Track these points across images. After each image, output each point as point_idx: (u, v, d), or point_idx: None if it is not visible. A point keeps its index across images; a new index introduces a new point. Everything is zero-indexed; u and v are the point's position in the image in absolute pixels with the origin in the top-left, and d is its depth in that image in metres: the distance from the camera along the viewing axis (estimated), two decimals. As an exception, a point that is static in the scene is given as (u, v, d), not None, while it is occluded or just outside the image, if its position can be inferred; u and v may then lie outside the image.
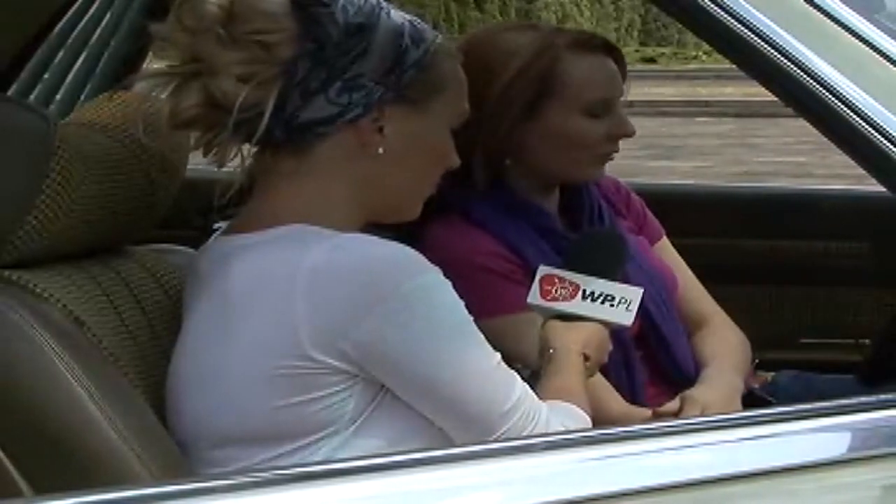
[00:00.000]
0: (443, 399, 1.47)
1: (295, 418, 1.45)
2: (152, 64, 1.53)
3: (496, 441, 1.46)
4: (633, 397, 1.94)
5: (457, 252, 1.90)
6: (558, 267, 1.76)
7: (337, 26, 1.47)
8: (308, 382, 1.44)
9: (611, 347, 1.75)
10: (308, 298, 1.42)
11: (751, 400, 2.07)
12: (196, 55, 1.47)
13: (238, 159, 1.51)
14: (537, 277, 1.74)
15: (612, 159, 2.02)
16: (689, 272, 2.16)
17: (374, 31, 1.49)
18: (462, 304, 1.48)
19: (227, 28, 1.46)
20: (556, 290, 1.72)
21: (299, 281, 1.42)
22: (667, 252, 2.17)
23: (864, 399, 1.32)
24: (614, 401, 1.90)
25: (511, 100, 1.94)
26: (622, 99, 2.04)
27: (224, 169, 1.52)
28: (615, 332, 1.82)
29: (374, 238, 1.49)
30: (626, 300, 1.72)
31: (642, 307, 1.93)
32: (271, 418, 1.45)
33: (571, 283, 1.72)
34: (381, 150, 1.52)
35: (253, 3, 1.47)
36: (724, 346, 2.07)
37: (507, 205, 1.99)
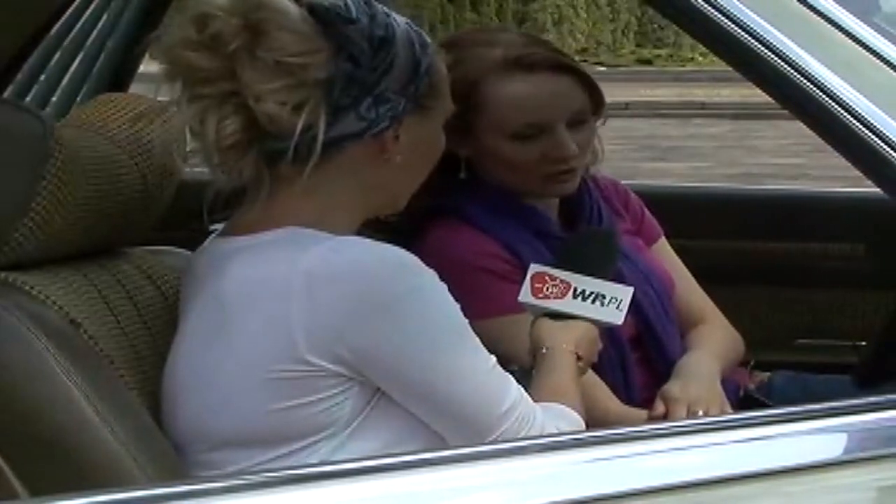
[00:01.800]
0: (438, 402, 1.47)
1: (291, 421, 1.44)
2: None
3: (492, 443, 1.45)
4: (628, 398, 1.94)
5: (454, 253, 1.90)
6: (550, 266, 1.76)
7: (366, 42, 1.47)
8: (304, 386, 1.43)
9: (601, 346, 1.75)
10: (304, 301, 1.41)
11: (747, 401, 2.07)
12: (224, 76, 1.44)
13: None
14: (528, 275, 1.74)
15: (569, 176, 1.96)
16: (687, 273, 2.16)
17: (395, 43, 1.49)
18: (458, 307, 1.48)
19: (257, 49, 1.44)
20: (547, 289, 1.73)
21: (295, 284, 1.42)
22: (665, 252, 2.17)
23: (860, 401, 1.32)
24: (610, 400, 1.90)
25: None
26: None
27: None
28: (611, 332, 1.82)
29: (370, 241, 1.48)
30: (617, 299, 1.72)
31: (639, 308, 1.93)
32: (267, 421, 1.45)
33: (563, 282, 1.72)
34: (398, 159, 1.51)
35: (283, 24, 1.45)
36: (706, 335, 2.06)
37: (505, 207, 1.99)
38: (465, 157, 1.98)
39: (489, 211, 1.97)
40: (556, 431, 1.52)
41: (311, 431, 1.45)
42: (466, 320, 1.49)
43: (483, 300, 1.84)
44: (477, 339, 1.49)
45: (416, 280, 1.46)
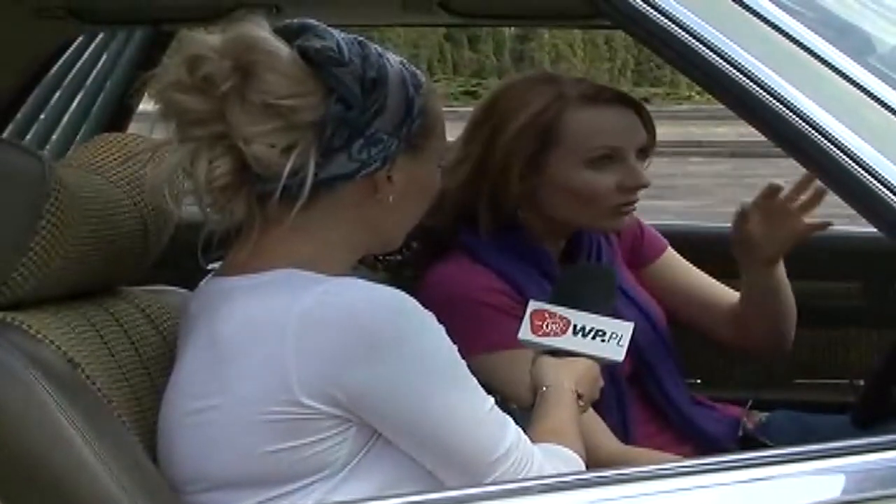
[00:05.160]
0: (434, 445, 1.45)
1: (286, 463, 1.44)
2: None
3: (493, 483, 1.44)
4: (626, 435, 1.94)
5: (457, 287, 1.91)
6: (549, 302, 1.75)
7: (357, 84, 1.46)
8: (299, 428, 1.43)
9: (602, 383, 1.74)
10: (298, 344, 1.41)
11: (745, 441, 2.06)
12: (215, 118, 1.44)
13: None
14: (528, 312, 1.72)
15: (632, 209, 2.01)
16: (702, 274, 2.18)
17: (387, 84, 1.49)
18: (455, 349, 1.47)
19: (247, 92, 1.43)
20: (546, 326, 1.71)
21: (289, 326, 1.41)
22: (676, 261, 2.18)
23: (858, 441, 1.32)
24: (608, 440, 1.89)
25: (515, 151, 1.95)
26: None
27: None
28: (609, 370, 1.81)
29: (366, 283, 1.47)
30: (617, 335, 1.70)
31: (635, 345, 1.93)
32: (262, 463, 1.44)
33: (562, 319, 1.71)
34: (391, 199, 1.51)
35: (274, 66, 1.44)
36: None
37: (515, 248, 1.99)
38: (519, 195, 1.99)
39: (498, 250, 1.98)
40: (555, 473, 1.50)
41: (307, 473, 1.44)
42: (464, 362, 1.47)
43: (487, 334, 1.84)
44: (475, 381, 1.48)
45: (412, 323, 1.45)
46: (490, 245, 1.98)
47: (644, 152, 2.01)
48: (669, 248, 2.19)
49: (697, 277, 2.17)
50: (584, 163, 1.96)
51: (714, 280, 2.18)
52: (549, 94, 1.98)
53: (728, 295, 2.17)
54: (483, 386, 1.50)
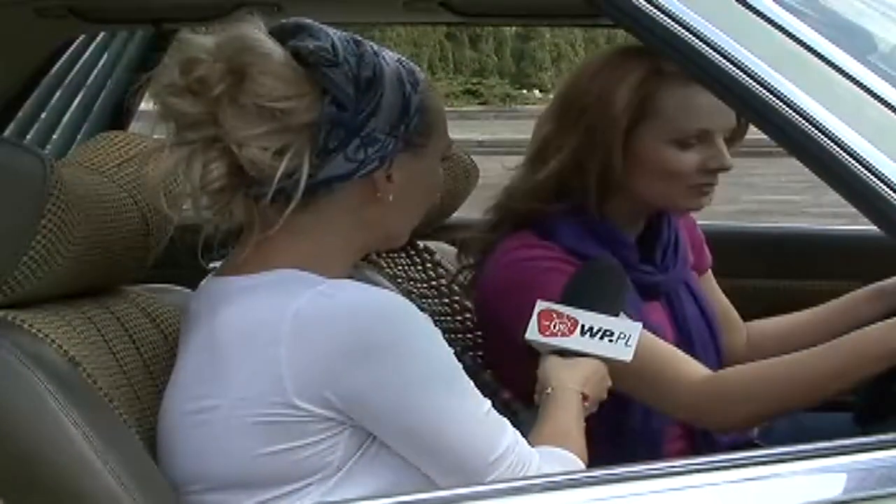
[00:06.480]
0: (428, 448, 1.45)
1: (281, 465, 1.43)
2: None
3: (491, 482, 1.44)
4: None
5: (523, 258, 1.90)
6: (561, 297, 1.74)
7: (351, 84, 1.46)
8: (293, 430, 1.42)
9: (610, 383, 1.72)
10: (292, 346, 1.41)
11: (749, 448, 2.06)
12: (209, 120, 1.44)
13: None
14: (535, 312, 1.71)
15: (712, 190, 1.98)
16: (724, 298, 2.22)
17: (383, 84, 1.48)
18: (451, 352, 1.46)
19: (240, 94, 1.43)
20: (554, 326, 1.70)
21: (284, 328, 1.41)
22: (712, 283, 2.20)
23: (859, 440, 1.32)
24: (693, 369, 1.85)
25: (618, 127, 1.92)
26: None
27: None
28: None
29: (362, 285, 1.47)
30: (626, 335, 1.69)
31: (691, 347, 1.92)
32: (257, 464, 1.44)
33: (570, 318, 1.70)
34: (391, 198, 1.51)
35: (267, 68, 1.44)
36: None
37: (592, 230, 1.96)
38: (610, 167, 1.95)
39: (573, 230, 1.95)
40: (552, 473, 1.49)
41: (303, 475, 1.44)
42: (460, 365, 1.47)
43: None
44: (471, 385, 1.47)
45: (406, 326, 1.44)
46: (564, 224, 1.94)
47: (731, 139, 1.98)
48: (710, 271, 2.20)
49: (723, 302, 2.20)
50: (672, 141, 1.93)
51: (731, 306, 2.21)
52: (644, 68, 1.93)
53: (739, 322, 2.20)
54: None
